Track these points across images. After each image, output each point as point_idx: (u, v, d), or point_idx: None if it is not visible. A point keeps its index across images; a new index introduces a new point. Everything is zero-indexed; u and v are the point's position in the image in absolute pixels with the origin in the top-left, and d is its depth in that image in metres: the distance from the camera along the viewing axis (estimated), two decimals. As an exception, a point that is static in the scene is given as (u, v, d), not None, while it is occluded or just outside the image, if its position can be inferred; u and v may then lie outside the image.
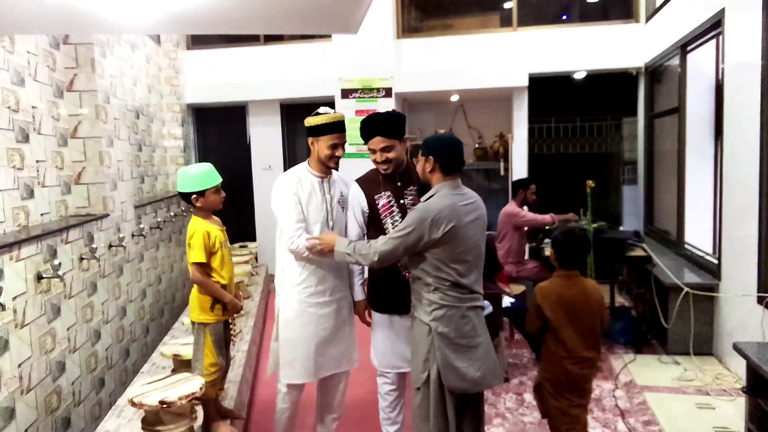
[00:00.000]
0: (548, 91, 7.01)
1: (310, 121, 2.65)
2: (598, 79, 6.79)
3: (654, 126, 6.27)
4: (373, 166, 2.76)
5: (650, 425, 3.27)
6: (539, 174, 6.56)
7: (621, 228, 6.03)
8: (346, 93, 6.60)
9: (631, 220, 6.73)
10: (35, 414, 2.74)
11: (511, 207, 4.94)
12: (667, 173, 5.70)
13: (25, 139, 3.12)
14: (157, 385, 2.40)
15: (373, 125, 2.63)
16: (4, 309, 2.45)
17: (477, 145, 7.67)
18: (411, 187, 2.74)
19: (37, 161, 3.22)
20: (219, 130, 7.27)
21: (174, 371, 2.89)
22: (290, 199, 2.65)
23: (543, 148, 7.52)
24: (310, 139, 2.70)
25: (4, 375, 2.48)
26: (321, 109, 2.67)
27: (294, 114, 7.13)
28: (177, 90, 6.38)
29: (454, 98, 7.46)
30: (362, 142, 2.68)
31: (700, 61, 4.89)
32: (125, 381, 3.86)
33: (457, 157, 2.39)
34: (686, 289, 4.08)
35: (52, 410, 2.93)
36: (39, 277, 2.84)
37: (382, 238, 2.40)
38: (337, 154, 2.66)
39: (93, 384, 3.45)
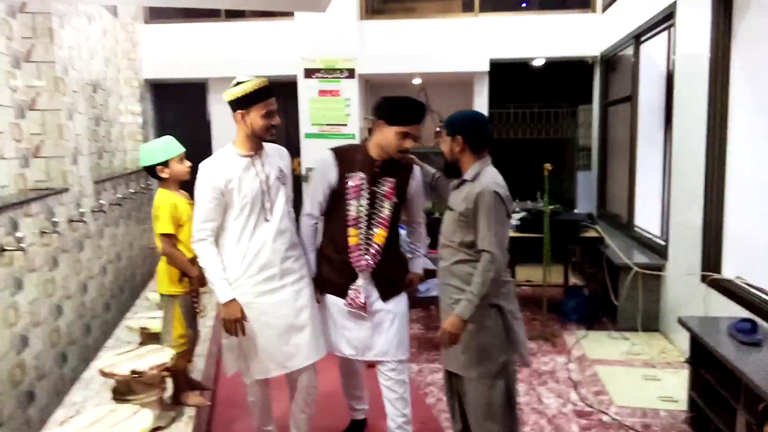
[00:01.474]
0: (508, 78, 7.15)
1: (234, 92, 2.33)
2: (555, 66, 6.97)
3: (608, 114, 6.50)
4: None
5: (600, 395, 3.47)
6: (498, 158, 6.71)
7: (575, 211, 6.23)
8: (309, 73, 6.59)
9: (585, 204, 6.97)
10: (-2, 388, 2.72)
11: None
12: (620, 159, 5.93)
13: (-17, 109, 3.03)
14: (127, 356, 2.43)
15: (420, 111, 2.48)
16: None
17: (438, 129, 7.78)
18: (388, 178, 2.56)
19: (-5, 132, 3.15)
20: (178, 107, 7.15)
21: (141, 344, 2.90)
22: (205, 194, 2.37)
23: (502, 134, 7.69)
24: (238, 114, 2.36)
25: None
26: (241, 77, 2.37)
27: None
28: (134, 65, 6.24)
29: (417, 81, 7.53)
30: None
31: (653, 52, 5.09)
32: (87, 357, 3.82)
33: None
34: (635, 268, 4.30)
35: (16, 383, 2.90)
36: (1, 249, 2.79)
37: (483, 240, 2.20)
38: (273, 122, 2.37)
39: (56, 359, 3.42)
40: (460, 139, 2.31)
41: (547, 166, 4.39)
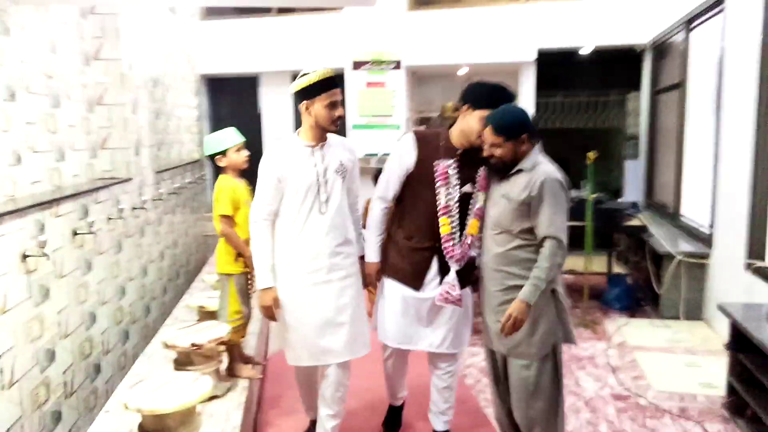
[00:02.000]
0: (555, 66, 7.13)
1: (300, 83, 2.36)
2: (604, 54, 6.90)
3: (657, 101, 6.41)
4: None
5: (639, 380, 3.52)
6: (544, 148, 6.72)
7: (620, 200, 6.19)
8: (357, 65, 6.75)
9: (633, 193, 6.90)
10: (71, 358, 2.99)
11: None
12: (669, 148, 5.86)
13: (58, 105, 3.30)
14: (187, 330, 2.65)
15: (509, 98, 2.42)
16: (48, 258, 2.68)
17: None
18: (477, 167, 2.48)
19: (68, 126, 3.42)
20: (231, 100, 7.45)
21: (199, 322, 3.14)
22: (265, 178, 2.44)
23: (548, 123, 7.67)
24: (303, 105, 2.40)
25: (45, 320, 2.72)
26: (306, 69, 2.39)
27: (305, 85, 7.27)
28: (191, 60, 6.53)
29: (462, 72, 7.59)
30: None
31: (704, 38, 5.01)
32: (147, 335, 4.11)
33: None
34: (678, 256, 4.28)
35: (86, 356, 3.18)
36: (74, 233, 3.06)
37: (549, 226, 2.23)
38: (337, 113, 2.39)
39: (119, 335, 3.70)
40: (525, 137, 2.30)
41: (591, 154, 4.41)
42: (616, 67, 7.18)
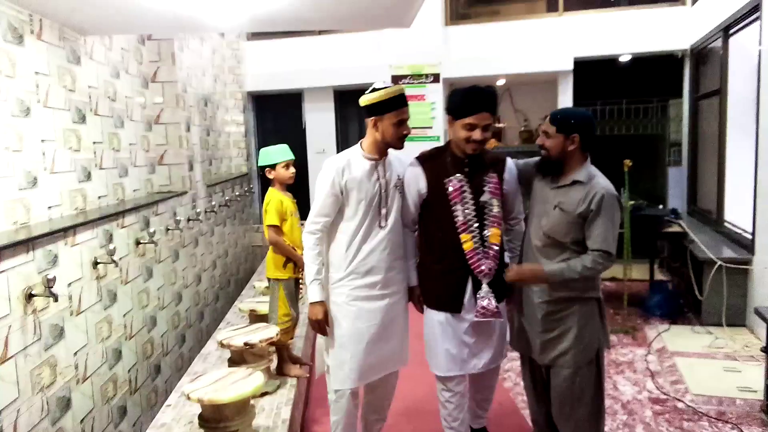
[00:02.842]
0: (595, 74, 7.16)
1: (371, 97, 2.32)
2: (644, 60, 6.90)
3: (699, 108, 6.38)
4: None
5: (677, 384, 3.55)
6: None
7: (660, 207, 6.17)
8: (396, 79, 6.94)
9: (676, 201, 6.85)
10: (135, 357, 3.24)
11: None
12: (711, 154, 5.82)
13: (121, 124, 3.60)
14: (240, 331, 2.85)
15: (482, 98, 2.34)
16: (117, 265, 2.94)
17: (523, 128, 7.91)
18: (489, 174, 2.46)
19: (129, 144, 3.71)
20: (276, 116, 7.75)
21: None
22: (325, 189, 2.39)
23: (589, 130, 7.68)
24: (371, 120, 2.36)
25: (114, 321, 2.98)
26: (378, 84, 2.37)
27: (346, 100, 7.52)
28: (239, 79, 6.86)
29: (500, 82, 7.70)
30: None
31: (743, 44, 5.01)
32: (201, 339, 4.36)
33: (595, 134, 2.35)
34: (719, 262, 4.29)
35: (147, 357, 3.42)
36: (137, 243, 3.33)
37: (603, 241, 2.25)
38: (405, 132, 2.37)
39: (177, 339, 3.96)
40: (577, 137, 2.28)
41: (627, 162, 4.46)
42: (658, 74, 7.16)
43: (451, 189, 2.42)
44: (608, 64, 7.03)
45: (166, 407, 2.78)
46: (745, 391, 3.38)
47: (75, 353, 2.57)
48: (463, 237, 2.41)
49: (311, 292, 2.41)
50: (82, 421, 2.60)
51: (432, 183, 2.46)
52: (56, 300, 2.34)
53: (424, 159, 2.52)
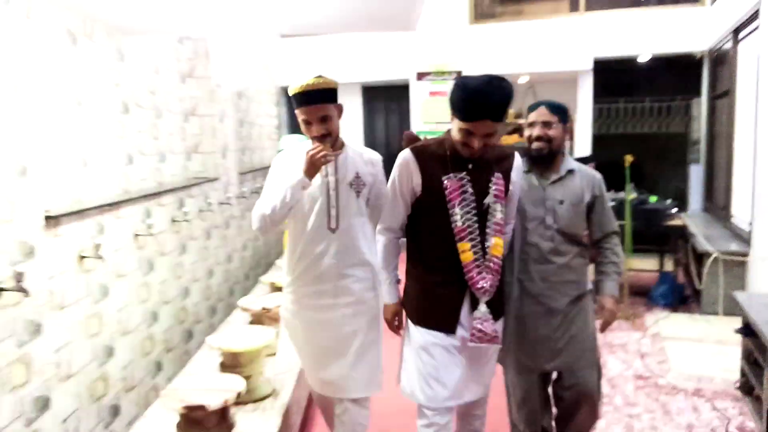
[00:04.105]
0: (617, 72, 7.34)
1: (290, 91, 2.18)
2: (669, 59, 7.04)
3: (715, 107, 6.52)
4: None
5: (663, 364, 3.81)
6: (605, 153, 6.93)
7: (668, 201, 6.33)
8: (420, 75, 7.28)
9: (696, 198, 6.98)
10: (170, 321, 3.67)
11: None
12: (724, 153, 5.98)
13: (160, 116, 4.03)
14: (260, 299, 3.25)
15: (485, 105, 1.96)
16: (154, 238, 3.37)
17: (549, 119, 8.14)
18: (495, 173, 2.14)
19: (168, 133, 4.14)
20: (307, 109, 8.16)
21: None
22: (271, 177, 2.28)
23: (611, 128, 7.86)
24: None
25: (152, 288, 3.41)
26: (311, 74, 2.17)
27: (373, 95, 7.88)
28: (271, 74, 7.29)
29: (523, 80, 7.94)
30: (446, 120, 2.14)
31: (751, 47, 5.17)
32: (229, 313, 4.79)
33: None
34: (715, 254, 4.50)
35: (181, 322, 3.86)
36: (173, 220, 3.76)
37: (611, 221, 2.35)
38: (314, 134, 2.15)
39: (207, 310, 4.39)
40: (570, 125, 2.50)
41: (628, 157, 4.71)
42: (682, 73, 7.29)
43: (449, 188, 2.09)
44: (632, 61, 7.20)
45: (195, 359, 3.19)
46: (726, 371, 3.62)
47: (119, 310, 3.00)
48: (462, 246, 2.07)
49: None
50: (124, 367, 3.04)
51: (428, 180, 2.13)
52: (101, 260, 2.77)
53: (419, 151, 2.16)
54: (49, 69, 2.53)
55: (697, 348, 4.03)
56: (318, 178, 2.21)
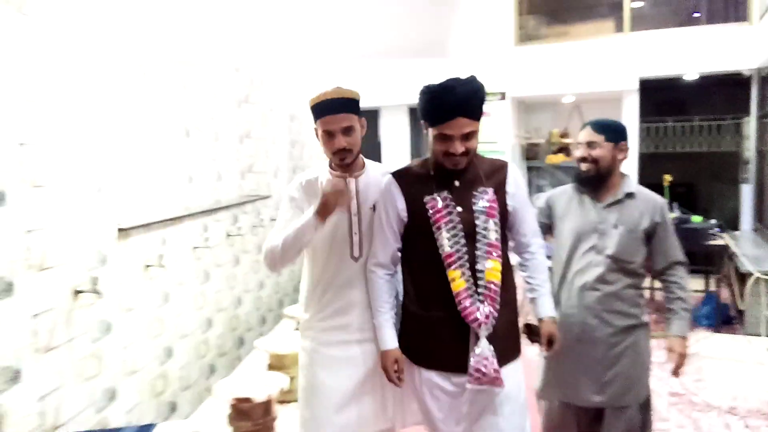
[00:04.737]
0: (666, 90, 7.33)
1: (311, 99, 2.02)
2: (718, 77, 6.99)
3: (765, 126, 6.44)
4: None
5: (699, 383, 3.84)
6: (655, 173, 6.74)
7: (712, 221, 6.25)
8: (464, 97, 7.46)
9: (749, 219, 6.87)
10: (222, 328, 3.97)
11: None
12: (772, 172, 5.93)
13: (217, 139, 4.37)
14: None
15: (454, 101, 1.84)
16: (211, 250, 3.69)
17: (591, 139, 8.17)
18: (480, 188, 1.94)
19: (224, 155, 4.49)
20: (356, 130, 8.49)
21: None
22: (285, 206, 2.11)
23: (659, 147, 7.83)
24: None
25: (206, 297, 3.71)
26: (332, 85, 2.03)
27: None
28: (322, 97, 7.63)
29: (568, 100, 8.03)
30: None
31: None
32: (277, 322, 5.07)
33: None
34: (757, 274, 4.48)
35: (233, 329, 4.15)
36: (228, 235, 4.07)
37: (676, 250, 2.22)
38: (336, 146, 1.96)
39: (257, 319, 4.68)
40: (626, 144, 2.19)
41: (667, 177, 4.76)
42: (733, 91, 7.23)
43: (431, 211, 1.91)
44: (678, 79, 7.19)
45: (245, 362, 3.46)
46: (763, 392, 3.62)
47: (178, 315, 3.30)
48: (451, 273, 1.86)
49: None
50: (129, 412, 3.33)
51: (411, 203, 1.96)
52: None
53: (401, 173, 2.03)
54: (120, 99, 2.87)
55: (736, 369, 4.03)
56: None
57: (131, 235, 2.82)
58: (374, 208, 2.06)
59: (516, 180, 2.03)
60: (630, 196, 2.20)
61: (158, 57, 3.37)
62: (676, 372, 2.26)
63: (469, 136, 1.87)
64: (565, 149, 8.01)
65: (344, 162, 2.02)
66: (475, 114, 1.88)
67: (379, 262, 2.02)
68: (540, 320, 2.03)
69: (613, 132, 2.20)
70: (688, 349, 2.21)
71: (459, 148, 1.86)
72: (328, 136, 1.98)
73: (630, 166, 7.12)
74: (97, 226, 2.57)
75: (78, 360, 2.41)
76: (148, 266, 2.95)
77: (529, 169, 8.12)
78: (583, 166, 2.24)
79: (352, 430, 2.06)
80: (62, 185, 2.36)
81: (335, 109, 1.96)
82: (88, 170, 2.54)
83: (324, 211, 1.91)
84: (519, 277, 2.09)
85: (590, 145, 2.21)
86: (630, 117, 7.18)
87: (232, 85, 4.73)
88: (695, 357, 4.30)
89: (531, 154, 8.19)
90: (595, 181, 2.23)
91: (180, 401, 3.29)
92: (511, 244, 2.09)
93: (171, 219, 3.20)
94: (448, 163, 1.92)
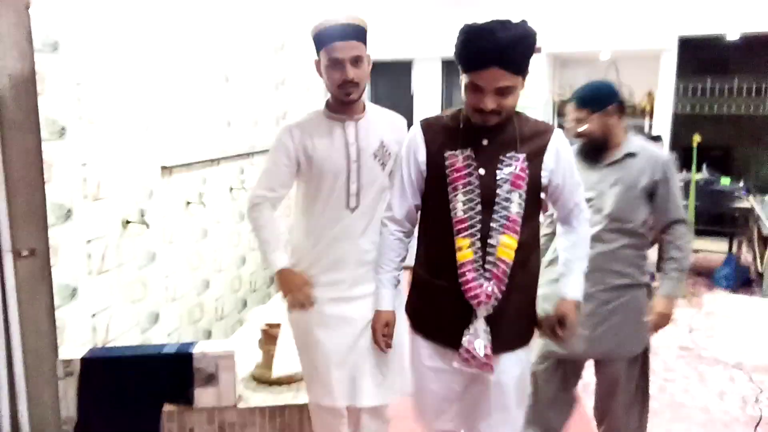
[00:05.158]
0: (707, 48, 7.15)
1: (315, 27, 1.82)
2: (760, 38, 6.79)
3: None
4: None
5: (710, 339, 3.96)
6: (686, 133, 6.44)
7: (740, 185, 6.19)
8: (499, 51, 7.41)
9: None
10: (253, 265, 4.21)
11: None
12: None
13: (254, 85, 4.51)
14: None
15: (491, 48, 1.56)
16: (246, 192, 3.89)
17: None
18: (511, 152, 1.67)
19: (260, 101, 4.64)
20: (388, 82, 8.51)
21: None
22: (274, 154, 1.92)
23: (696, 108, 7.69)
24: (315, 62, 1.89)
25: (241, 242, 3.93)
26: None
27: (453, 69, 8.10)
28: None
29: (605, 56, 7.90)
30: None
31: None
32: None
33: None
34: (778, 237, 4.53)
35: (235, 291, 4.39)
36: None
37: (678, 209, 2.12)
38: (342, 78, 1.78)
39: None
40: (613, 107, 2.12)
41: (696, 137, 4.76)
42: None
43: (451, 166, 1.69)
44: (719, 38, 7.01)
45: (275, 298, 3.70)
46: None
47: (215, 250, 3.53)
48: (459, 242, 1.67)
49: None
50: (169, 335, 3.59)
51: (432, 156, 1.75)
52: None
53: (429, 123, 1.81)
54: (166, 44, 3.02)
55: (749, 327, 4.13)
56: (334, 148, 1.87)
57: (174, 173, 3.03)
58: (375, 155, 1.90)
59: (559, 151, 1.72)
60: (631, 155, 2.14)
61: (201, 5, 3.50)
62: (653, 330, 2.20)
63: (505, 91, 1.59)
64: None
65: (350, 97, 1.83)
66: (516, 66, 1.58)
67: (394, 216, 1.84)
68: (560, 299, 1.80)
69: (596, 102, 2.13)
70: (674, 310, 2.15)
71: (489, 104, 1.59)
72: (335, 66, 1.78)
73: (663, 126, 7.06)
74: (144, 162, 2.78)
75: (126, 284, 2.66)
76: (188, 203, 3.16)
77: (560, 126, 8.09)
78: (579, 142, 2.21)
79: (346, 395, 1.95)
80: (114, 123, 2.56)
81: (345, 36, 1.76)
82: (137, 110, 2.72)
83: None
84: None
85: (578, 122, 2.18)
86: (666, 76, 7.07)
87: (269, 32, 4.84)
88: (709, 315, 4.41)
89: (564, 110, 8.14)
90: (593, 150, 2.20)
91: (215, 330, 3.56)
92: (555, 214, 1.91)
93: (210, 160, 3.40)
94: (476, 119, 1.65)
